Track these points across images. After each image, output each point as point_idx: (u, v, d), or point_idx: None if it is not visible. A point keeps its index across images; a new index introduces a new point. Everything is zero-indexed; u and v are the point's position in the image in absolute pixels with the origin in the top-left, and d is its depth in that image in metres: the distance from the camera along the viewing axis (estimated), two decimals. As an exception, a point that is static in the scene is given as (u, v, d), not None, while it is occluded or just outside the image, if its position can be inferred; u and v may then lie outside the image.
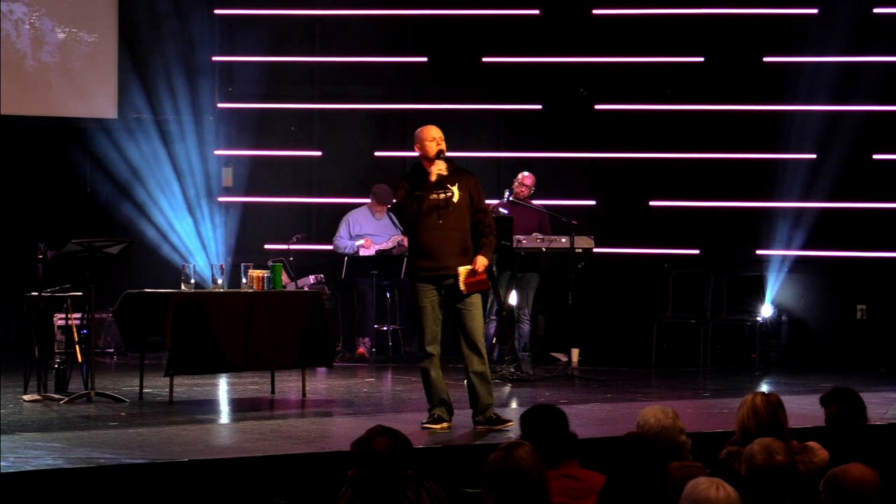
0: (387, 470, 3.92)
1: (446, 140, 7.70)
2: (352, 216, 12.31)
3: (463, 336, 7.61)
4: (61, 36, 12.94)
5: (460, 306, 7.58)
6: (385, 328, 12.09)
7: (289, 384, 9.92)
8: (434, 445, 6.90)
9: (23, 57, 12.82)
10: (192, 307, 8.74)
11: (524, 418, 4.97)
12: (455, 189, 7.61)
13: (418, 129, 7.79)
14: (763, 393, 5.33)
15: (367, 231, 12.22)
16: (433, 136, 7.69)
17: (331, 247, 12.37)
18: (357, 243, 12.12)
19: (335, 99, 13.40)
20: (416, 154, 7.78)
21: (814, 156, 12.52)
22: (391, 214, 12.39)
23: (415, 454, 4.01)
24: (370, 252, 12.04)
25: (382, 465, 3.92)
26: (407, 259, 7.61)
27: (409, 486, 4.01)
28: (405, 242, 12.13)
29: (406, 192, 7.59)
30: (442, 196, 7.57)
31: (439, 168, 7.58)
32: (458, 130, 12.84)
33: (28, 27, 12.84)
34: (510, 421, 7.46)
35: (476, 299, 7.63)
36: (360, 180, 12.72)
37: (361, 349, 11.98)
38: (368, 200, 12.33)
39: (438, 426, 7.51)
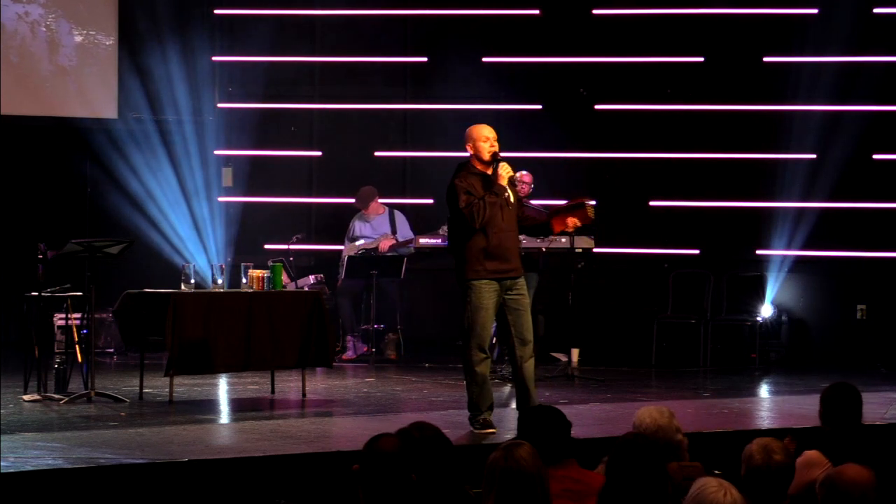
0: (391, 470, 3.93)
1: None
2: (353, 221, 12.42)
3: (516, 333, 7.50)
4: (78, 39, 12.93)
5: (516, 306, 7.51)
6: (383, 328, 12.12)
7: (289, 384, 9.92)
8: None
9: (38, 60, 12.81)
10: (192, 307, 8.74)
11: (521, 419, 4.97)
12: (510, 188, 7.59)
13: (470, 129, 7.67)
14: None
15: (360, 234, 12.30)
16: (486, 137, 7.59)
17: (330, 247, 12.48)
18: (358, 243, 12.20)
19: (335, 99, 13.39)
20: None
21: (814, 156, 12.51)
22: (394, 214, 12.39)
23: (454, 452, 4.03)
24: (353, 252, 12.10)
25: (387, 465, 3.93)
26: (462, 260, 7.45)
27: (413, 489, 4.02)
28: (384, 245, 12.12)
29: (470, 196, 7.43)
30: (504, 196, 7.52)
31: (508, 171, 7.55)
32: (457, 130, 12.87)
33: (44, 29, 12.84)
34: None
35: (528, 299, 7.62)
36: (360, 180, 12.71)
37: (349, 353, 11.95)
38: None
39: (490, 431, 7.39)
